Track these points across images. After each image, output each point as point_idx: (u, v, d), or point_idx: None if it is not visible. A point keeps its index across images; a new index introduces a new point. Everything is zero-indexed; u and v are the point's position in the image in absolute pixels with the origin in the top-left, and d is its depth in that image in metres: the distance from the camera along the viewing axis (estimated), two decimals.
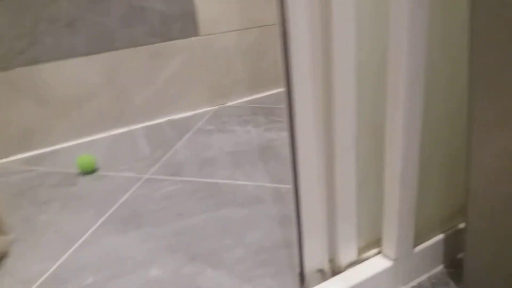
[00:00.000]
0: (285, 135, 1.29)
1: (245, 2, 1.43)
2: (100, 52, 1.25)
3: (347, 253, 0.60)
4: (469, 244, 0.56)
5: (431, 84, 0.54)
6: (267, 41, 1.51)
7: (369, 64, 0.52)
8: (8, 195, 1.02)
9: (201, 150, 1.17)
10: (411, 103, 0.50)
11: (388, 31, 0.49)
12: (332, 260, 0.61)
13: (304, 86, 0.49)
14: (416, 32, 0.47)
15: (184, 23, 1.34)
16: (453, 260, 0.68)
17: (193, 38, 1.37)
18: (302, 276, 0.60)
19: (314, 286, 0.59)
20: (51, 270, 0.75)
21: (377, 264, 0.61)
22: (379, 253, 0.63)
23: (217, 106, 1.48)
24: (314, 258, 0.58)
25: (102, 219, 0.89)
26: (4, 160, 1.20)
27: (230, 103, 1.50)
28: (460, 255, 0.67)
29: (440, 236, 0.65)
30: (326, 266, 0.60)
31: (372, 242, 0.63)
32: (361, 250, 0.62)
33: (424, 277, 0.65)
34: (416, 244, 0.62)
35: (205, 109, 1.46)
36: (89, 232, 0.85)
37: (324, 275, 0.60)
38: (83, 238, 0.83)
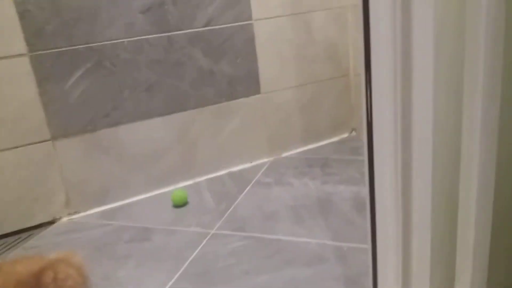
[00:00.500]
0: (342, 189, 1.32)
1: (302, 60, 1.52)
2: (173, 112, 1.38)
3: None
4: None
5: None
6: (322, 94, 1.58)
7: (443, 145, 0.55)
8: (87, 250, 1.12)
9: (262, 203, 1.23)
10: (483, 187, 0.53)
11: (460, 130, 0.52)
12: None
13: (384, 165, 0.54)
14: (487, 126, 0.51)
15: (248, 83, 1.45)
16: None
17: (255, 96, 1.47)
18: None
19: None
20: None
21: None
22: None
23: (273, 158, 1.55)
24: None
25: (176, 276, 0.96)
26: (83, 214, 1.32)
27: (285, 154, 1.57)
28: None
29: None
30: None
31: None
32: None
33: None
34: None
35: (262, 161, 1.53)
36: None
37: None
38: None
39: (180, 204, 1.28)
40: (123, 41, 1.27)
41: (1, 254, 1.15)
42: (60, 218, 1.30)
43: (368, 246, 0.60)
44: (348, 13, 1.56)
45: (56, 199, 1.29)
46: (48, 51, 1.20)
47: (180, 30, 1.33)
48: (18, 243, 1.20)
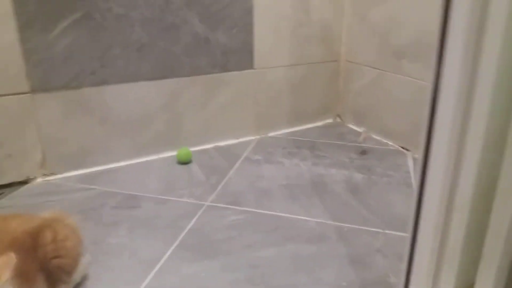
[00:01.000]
0: (334, 171, 1.32)
1: (297, 39, 1.49)
2: (163, 78, 1.30)
3: None
4: None
5: None
6: (312, 77, 1.57)
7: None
8: (72, 214, 1.04)
9: (254, 180, 1.20)
10: None
11: None
12: None
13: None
14: None
15: (242, 56, 1.40)
16: None
17: (248, 70, 1.43)
18: None
19: None
20: None
21: None
22: None
23: (259, 136, 1.52)
24: None
25: (174, 245, 0.92)
26: (60, 176, 1.22)
27: (271, 134, 1.55)
28: None
29: None
30: None
31: None
32: None
33: None
34: None
35: (248, 138, 1.50)
36: (164, 258, 0.88)
37: None
38: (159, 264, 0.86)
39: (185, 161, 1.31)
40: None
41: None
42: (34, 178, 1.19)
43: (409, 234, 0.60)
44: None
45: (31, 157, 1.18)
46: None
47: None
48: None
